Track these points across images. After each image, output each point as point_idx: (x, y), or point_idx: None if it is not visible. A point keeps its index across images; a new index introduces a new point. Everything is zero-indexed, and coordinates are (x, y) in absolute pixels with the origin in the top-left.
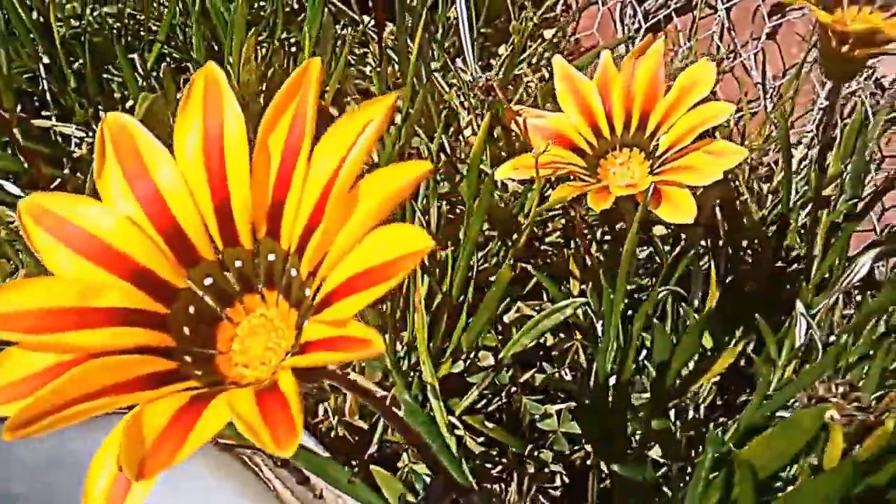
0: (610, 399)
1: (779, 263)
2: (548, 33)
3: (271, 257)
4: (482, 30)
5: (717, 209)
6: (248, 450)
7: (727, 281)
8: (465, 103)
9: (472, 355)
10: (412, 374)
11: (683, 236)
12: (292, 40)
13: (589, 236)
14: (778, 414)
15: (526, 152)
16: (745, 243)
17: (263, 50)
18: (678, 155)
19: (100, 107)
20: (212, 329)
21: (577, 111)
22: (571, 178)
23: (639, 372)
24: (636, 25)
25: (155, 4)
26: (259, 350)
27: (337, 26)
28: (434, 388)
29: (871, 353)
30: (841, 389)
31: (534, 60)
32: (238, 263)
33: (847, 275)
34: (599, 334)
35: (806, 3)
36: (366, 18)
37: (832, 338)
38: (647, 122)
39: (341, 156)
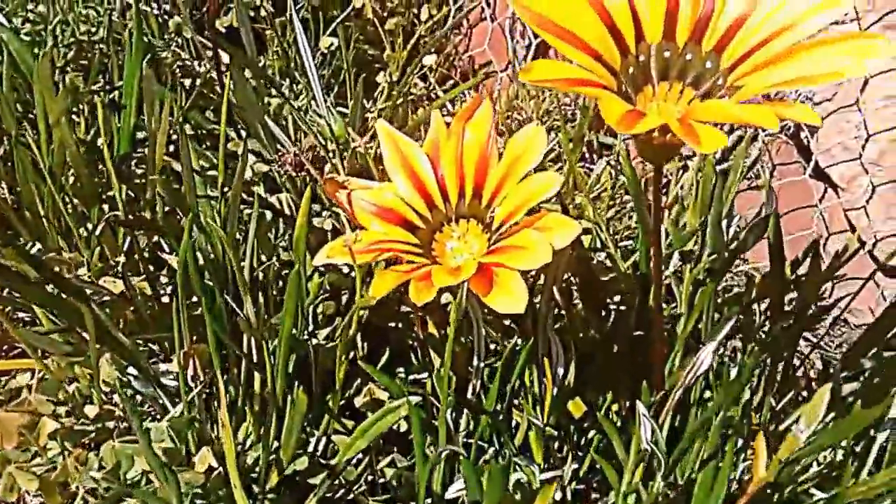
0: None
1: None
2: (428, 59)
3: None
4: (371, 52)
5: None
6: None
7: (590, 346)
8: (330, 146)
9: (321, 446)
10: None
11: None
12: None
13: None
14: None
15: None
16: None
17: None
18: (511, 231)
19: None
20: None
21: (406, 180)
22: (398, 261)
23: None
24: (527, 42)
25: None
26: None
27: (203, 62)
28: None
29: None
30: None
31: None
32: None
33: (689, 370)
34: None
35: (591, 93)
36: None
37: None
38: (481, 192)
39: None
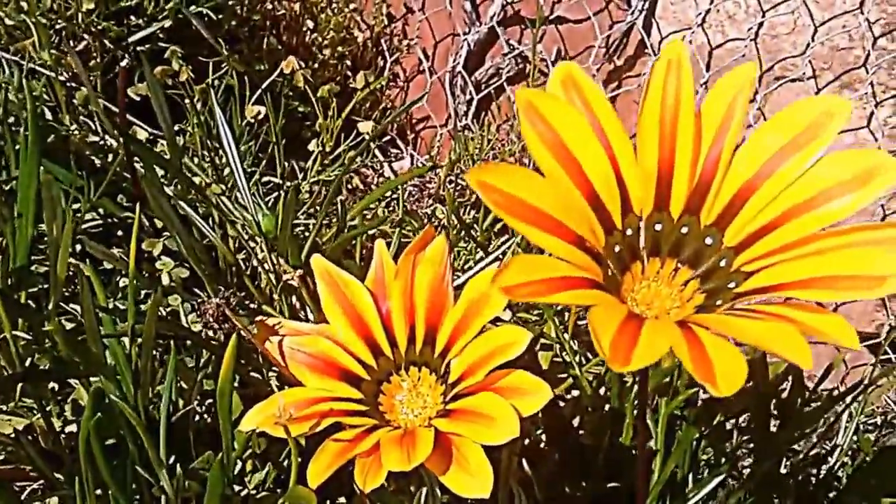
0: None
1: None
2: (364, 126)
3: None
4: (302, 109)
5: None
6: None
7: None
8: (255, 242)
9: None
10: None
11: None
12: None
13: None
14: None
15: None
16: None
17: None
18: (471, 389)
19: None
20: None
21: (347, 324)
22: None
23: None
24: (468, 97)
25: None
26: None
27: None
28: None
29: None
30: None
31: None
32: None
33: None
34: None
35: (581, 300)
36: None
37: None
38: (435, 337)
39: None
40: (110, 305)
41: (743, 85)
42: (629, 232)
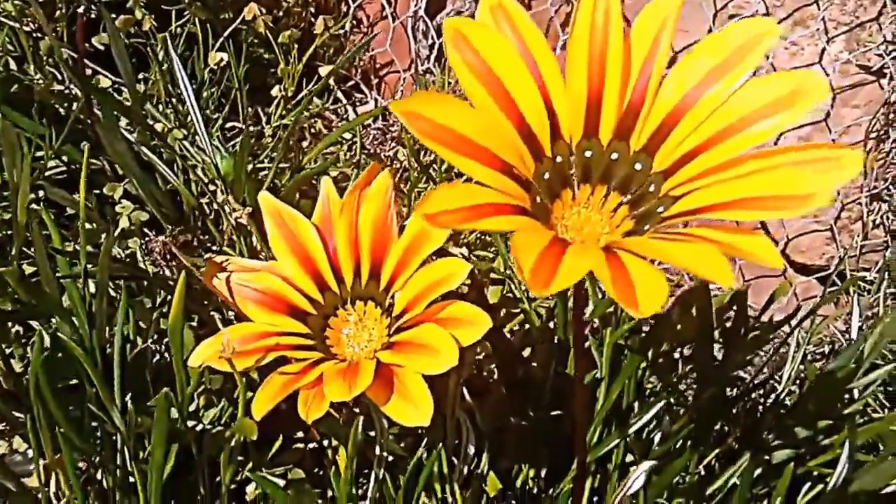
0: None
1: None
2: (325, 71)
3: None
4: (266, 56)
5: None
6: None
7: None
8: (215, 186)
9: None
10: None
11: None
12: None
13: None
14: None
15: None
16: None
17: None
18: (413, 321)
19: None
20: None
21: (294, 260)
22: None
23: None
24: (429, 41)
25: None
26: None
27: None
28: None
29: None
30: None
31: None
32: None
33: (618, 492)
34: None
35: (505, 226)
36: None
37: None
38: (379, 271)
39: None
40: (70, 249)
41: (671, 8)
42: (559, 159)
